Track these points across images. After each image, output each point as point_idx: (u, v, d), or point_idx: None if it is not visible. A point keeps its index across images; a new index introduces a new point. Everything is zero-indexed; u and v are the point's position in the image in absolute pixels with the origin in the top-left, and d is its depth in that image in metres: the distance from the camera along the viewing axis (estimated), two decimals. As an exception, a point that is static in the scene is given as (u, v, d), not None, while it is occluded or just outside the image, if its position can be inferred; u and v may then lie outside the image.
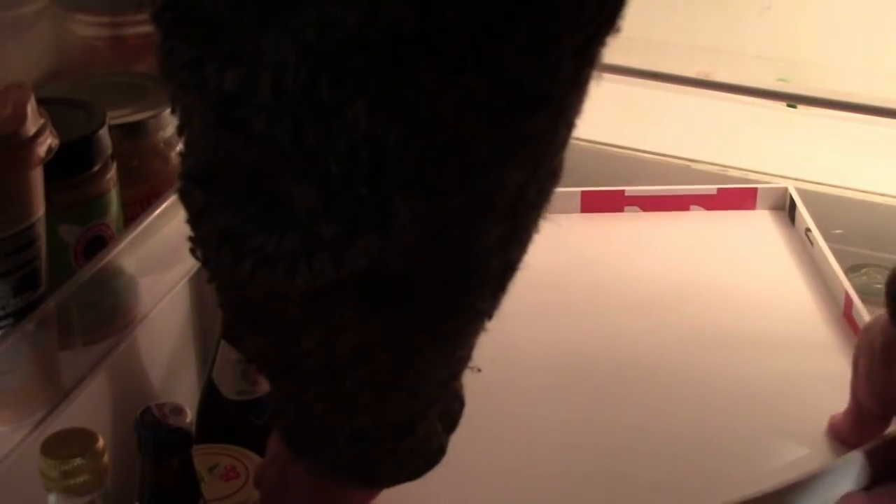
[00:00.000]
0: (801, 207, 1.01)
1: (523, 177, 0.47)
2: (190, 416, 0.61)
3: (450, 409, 0.63)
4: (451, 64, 0.40)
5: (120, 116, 0.76)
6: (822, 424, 0.77)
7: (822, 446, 0.75)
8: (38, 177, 0.64)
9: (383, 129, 0.41)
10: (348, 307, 0.50)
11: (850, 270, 0.92)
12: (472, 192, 0.46)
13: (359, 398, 0.56)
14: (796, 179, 1.06)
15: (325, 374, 0.55)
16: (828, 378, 0.82)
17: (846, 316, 0.89)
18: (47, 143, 0.63)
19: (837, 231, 1.04)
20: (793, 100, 1.12)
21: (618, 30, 0.43)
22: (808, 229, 0.98)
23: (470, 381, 0.62)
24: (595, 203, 1.02)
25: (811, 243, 0.97)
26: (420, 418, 0.59)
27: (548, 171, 0.48)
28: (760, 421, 0.78)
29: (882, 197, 1.13)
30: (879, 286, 1.02)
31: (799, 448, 0.76)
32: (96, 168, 0.70)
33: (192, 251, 0.50)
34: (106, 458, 0.57)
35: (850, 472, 0.68)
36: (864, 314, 0.86)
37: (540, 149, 0.46)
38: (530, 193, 0.48)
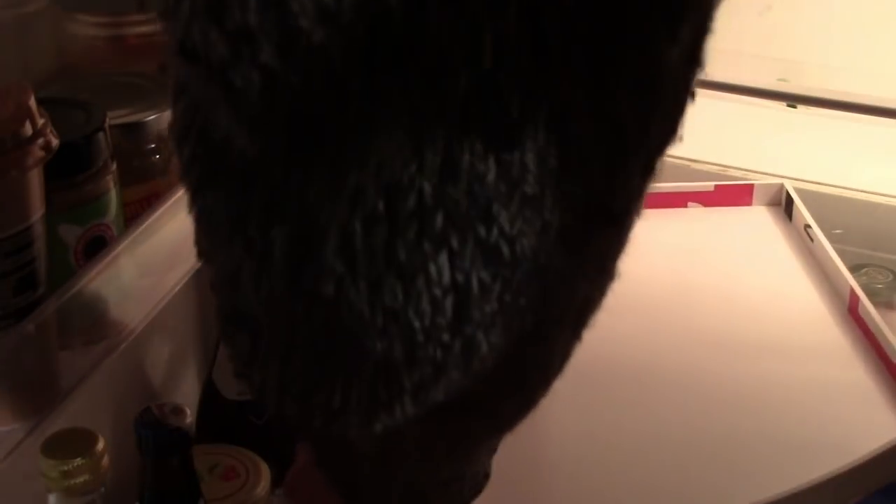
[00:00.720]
0: (798, 203, 1.01)
1: (589, 287, 0.47)
2: (190, 416, 0.61)
3: None
4: (531, 201, 0.40)
5: (120, 116, 0.76)
6: (827, 423, 0.77)
7: (823, 445, 0.75)
8: (37, 177, 0.64)
9: (466, 278, 0.40)
10: (415, 426, 0.49)
11: (850, 270, 0.93)
12: (546, 312, 0.45)
13: (413, 472, 0.56)
14: (796, 179, 1.06)
15: (380, 462, 0.54)
16: (835, 377, 0.82)
17: (852, 313, 0.89)
18: (47, 143, 0.63)
19: (837, 231, 1.04)
20: (793, 100, 1.12)
21: (680, 138, 0.43)
22: (807, 226, 0.98)
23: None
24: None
25: (811, 240, 0.97)
26: (473, 467, 0.59)
27: (610, 275, 0.48)
28: (763, 421, 0.78)
29: (882, 197, 1.13)
30: (880, 286, 1.03)
31: (800, 445, 0.76)
32: (96, 168, 0.70)
33: (246, 384, 0.49)
34: (106, 458, 0.57)
35: (857, 479, 0.68)
36: (872, 311, 0.86)
37: (606, 260, 0.47)
38: (594, 298, 0.48)
